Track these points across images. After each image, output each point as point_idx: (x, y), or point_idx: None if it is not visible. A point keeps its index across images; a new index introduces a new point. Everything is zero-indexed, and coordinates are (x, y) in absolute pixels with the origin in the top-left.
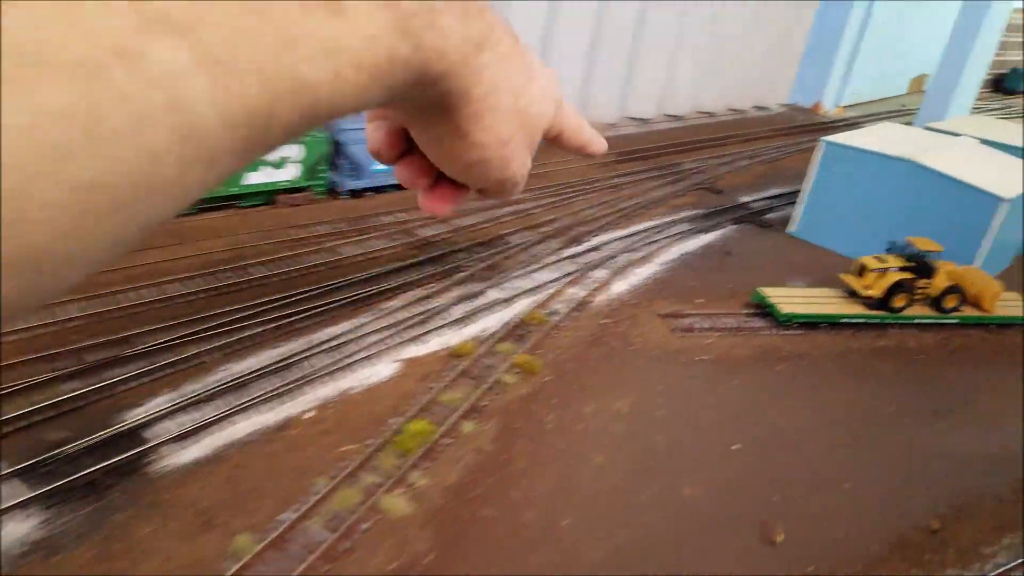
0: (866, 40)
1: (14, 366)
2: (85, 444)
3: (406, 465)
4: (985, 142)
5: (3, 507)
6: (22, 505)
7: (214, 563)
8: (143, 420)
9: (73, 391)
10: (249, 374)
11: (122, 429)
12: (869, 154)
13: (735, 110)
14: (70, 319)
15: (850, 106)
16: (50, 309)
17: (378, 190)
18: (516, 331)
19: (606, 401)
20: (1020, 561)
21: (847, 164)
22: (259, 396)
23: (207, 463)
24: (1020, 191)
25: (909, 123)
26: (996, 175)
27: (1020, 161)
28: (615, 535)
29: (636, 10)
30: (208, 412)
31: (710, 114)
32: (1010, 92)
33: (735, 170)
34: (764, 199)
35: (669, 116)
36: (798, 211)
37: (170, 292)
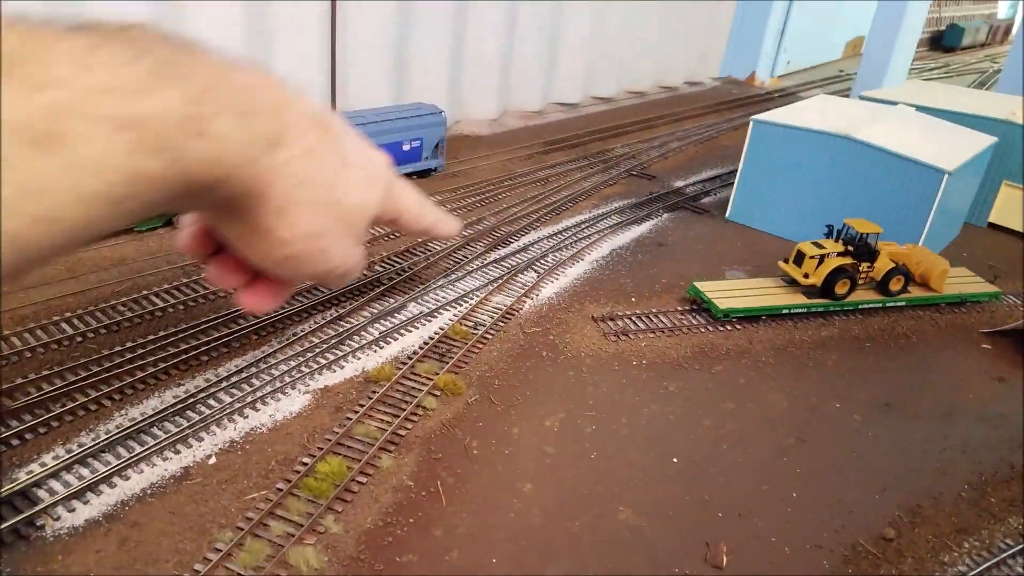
0: (796, 5)
1: None
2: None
3: (317, 512)
4: (922, 109)
5: None
6: None
7: None
8: (29, 481)
9: None
10: (146, 419)
11: (5, 493)
12: (802, 131)
13: (666, 87)
14: None
15: (786, 75)
16: None
17: None
18: (438, 348)
19: (535, 420)
20: (979, 570)
21: (780, 143)
22: (157, 444)
23: (101, 524)
24: (962, 161)
25: (848, 89)
26: (937, 146)
27: (961, 129)
28: (547, 570)
29: None
30: (100, 467)
31: (640, 94)
32: (949, 49)
33: (668, 152)
34: (699, 182)
35: (597, 99)
36: (733, 195)
37: (62, 332)
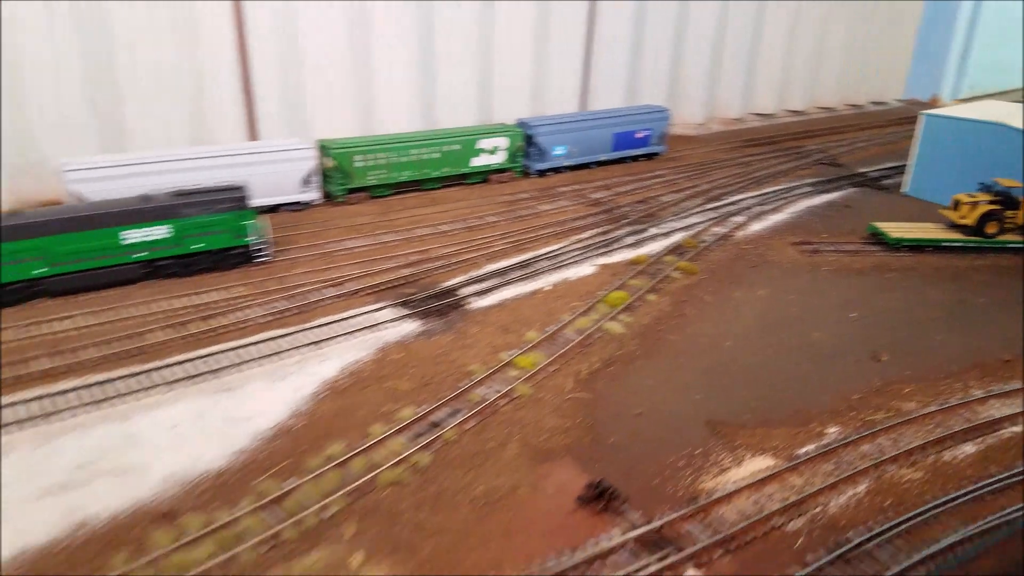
0: (978, 32)
1: None
2: (428, 295)
3: (613, 313)
4: None
5: (397, 318)
6: (407, 319)
7: (514, 345)
8: (466, 281)
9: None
10: (510, 267)
11: (445, 290)
12: (964, 121)
13: (853, 105)
14: None
15: (968, 99)
16: None
17: (557, 170)
18: (676, 250)
19: (750, 290)
20: None
21: (946, 131)
22: (515, 279)
23: (496, 307)
24: None
25: None
26: None
27: None
28: (762, 352)
29: (756, 10)
30: (490, 279)
31: (828, 109)
32: None
33: (853, 150)
34: (880, 170)
35: (789, 111)
36: (908, 174)
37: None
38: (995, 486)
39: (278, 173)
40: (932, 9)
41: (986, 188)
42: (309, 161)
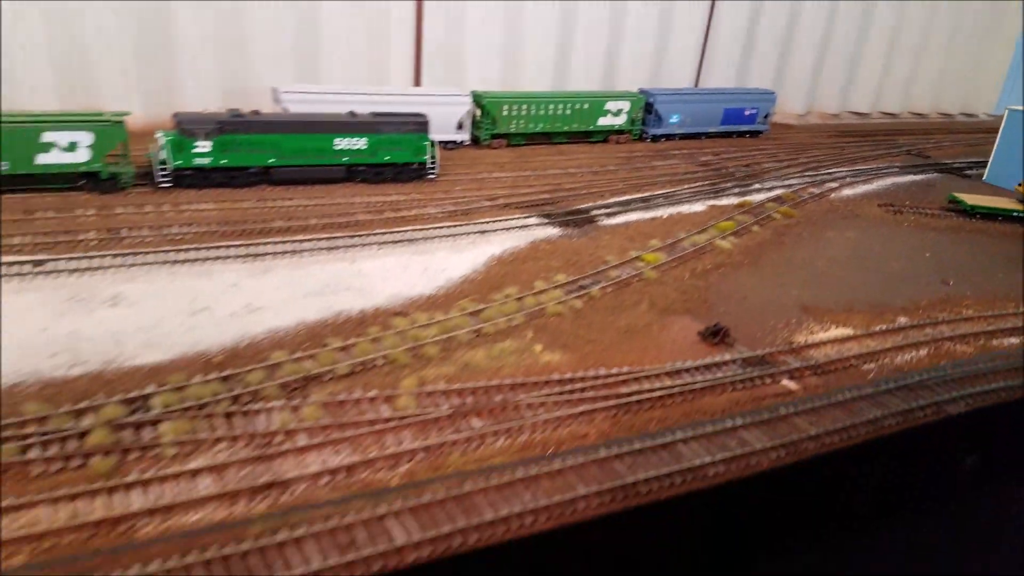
0: None
1: None
2: (565, 212)
3: (723, 235)
4: None
5: (542, 223)
6: (550, 226)
7: (640, 247)
8: (596, 206)
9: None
10: (631, 200)
11: (579, 210)
12: None
13: (944, 114)
14: None
15: None
16: None
17: (669, 136)
18: (777, 200)
19: (840, 232)
20: None
21: None
22: (637, 208)
23: (621, 225)
24: None
25: None
26: None
27: None
28: (849, 272)
29: (862, 11)
30: (616, 207)
31: (920, 115)
32: None
33: (941, 147)
34: (965, 162)
35: (884, 112)
36: (989, 164)
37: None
38: None
39: (439, 115)
40: None
41: None
42: (465, 107)
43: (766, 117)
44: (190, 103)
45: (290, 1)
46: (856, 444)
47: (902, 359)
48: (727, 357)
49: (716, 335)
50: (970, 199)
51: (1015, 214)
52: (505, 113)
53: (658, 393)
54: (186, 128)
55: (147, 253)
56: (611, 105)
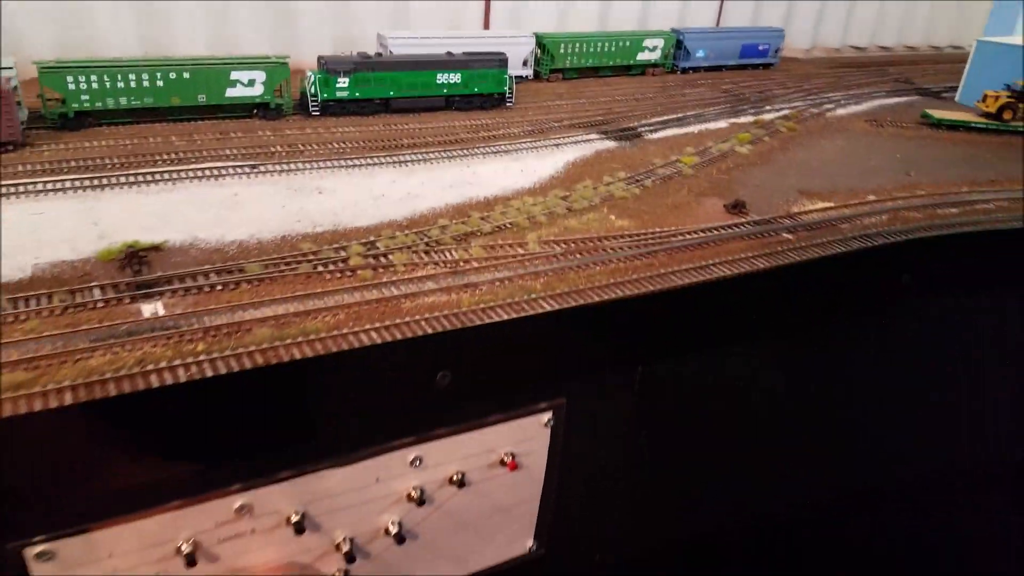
0: None
1: None
2: (617, 129)
3: (741, 144)
4: None
5: (600, 138)
6: (607, 140)
7: (678, 153)
8: (641, 124)
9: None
10: (668, 121)
11: (628, 128)
12: (1004, 45)
13: (935, 47)
14: None
15: None
16: None
17: (696, 69)
18: (783, 118)
19: (831, 140)
20: None
21: (991, 53)
22: (672, 124)
23: (660, 139)
24: None
25: None
26: None
27: None
28: (835, 169)
29: None
30: (656, 126)
31: (913, 48)
32: None
33: (925, 75)
34: (943, 87)
35: (880, 47)
36: (960, 87)
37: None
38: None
39: (509, 54)
40: None
41: (1007, 87)
42: (528, 47)
43: (776, 51)
44: (307, 49)
45: None
46: (821, 258)
47: (867, 221)
48: (743, 221)
49: (736, 207)
50: (938, 114)
51: (972, 125)
52: (562, 51)
53: (698, 240)
54: (331, 67)
55: (325, 160)
56: (648, 42)
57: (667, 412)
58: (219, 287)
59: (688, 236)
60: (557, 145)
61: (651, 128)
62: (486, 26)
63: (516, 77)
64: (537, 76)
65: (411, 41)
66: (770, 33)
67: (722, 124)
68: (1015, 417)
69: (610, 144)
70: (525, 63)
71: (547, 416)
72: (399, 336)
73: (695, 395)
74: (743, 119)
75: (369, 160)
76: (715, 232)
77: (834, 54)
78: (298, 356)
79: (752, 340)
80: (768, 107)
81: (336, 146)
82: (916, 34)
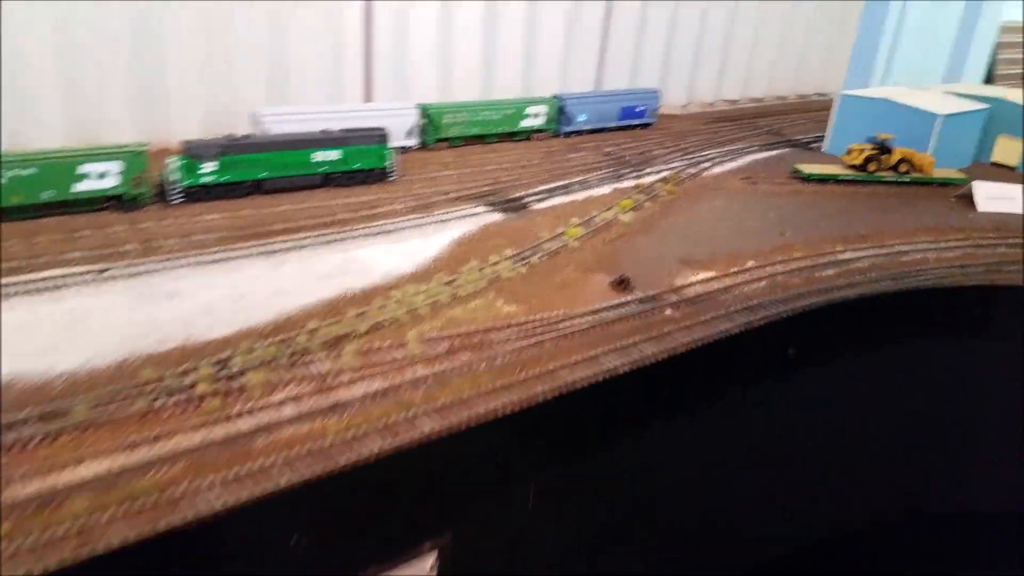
0: (903, 35)
1: None
2: (505, 200)
3: (623, 212)
4: (951, 94)
5: (488, 211)
6: (495, 213)
7: (562, 227)
8: (527, 194)
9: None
10: (554, 188)
11: (515, 198)
12: (865, 98)
13: (802, 96)
14: None
15: None
16: None
17: (579, 132)
18: (663, 181)
19: (709, 202)
20: None
21: (854, 105)
22: (559, 193)
23: (548, 208)
24: (952, 112)
25: None
26: (940, 105)
27: (963, 100)
28: (714, 230)
29: (728, 11)
30: (543, 194)
31: (782, 97)
32: None
33: (795, 125)
34: (812, 137)
35: (751, 99)
36: (826, 138)
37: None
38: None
39: (391, 125)
40: (867, 11)
41: (870, 140)
42: (412, 117)
43: (654, 112)
44: (176, 129)
45: (261, 34)
46: (711, 343)
47: (748, 290)
48: (629, 299)
49: (621, 284)
50: (808, 168)
51: (840, 177)
52: (446, 120)
53: (585, 324)
54: (195, 152)
55: (183, 256)
56: (531, 109)
57: (565, 523)
58: (36, 440)
59: (576, 320)
60: (443, 221)
61: (537, 197)
62: (369, 98)
63: (401, 147)
64: (423, 145)
65: (288, 117)
66: (647, 95)
67: (605, 190)
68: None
69: (497, 217)
70: (410, 133)
71: (431, 559)
72: (245, 496)
73: (594, 498)
74: (625, 183)
75: (234, 251)
76: (602, 314)
77: (708, 109)
78: (115, 544)
79: (644, 427)
80: (648, 169)
81: (198, 238)
82: (784, 84)
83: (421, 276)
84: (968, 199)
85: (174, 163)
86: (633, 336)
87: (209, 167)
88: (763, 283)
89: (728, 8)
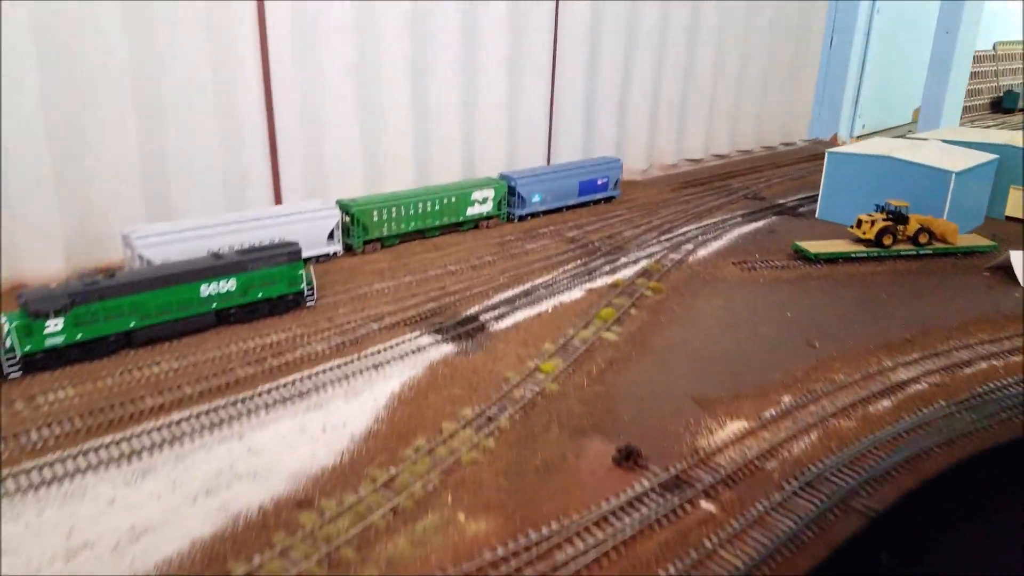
0: (867, 76)
1: None
2: (455, 322)
3: (606, 326)
4: (948, 142)
5: (435, 342)
6: (444, 343)
7: (535, 355)
8: (483, 308)
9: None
10: (515, 296)
11: (468, 317)
12: (859, 156)
13: (767, 147)
14: None
15: (863, 136)
16: None
17: (534, 215)
18: (644, 274)
19: (707, 300)
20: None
21: (846, 165)
22: (522, 305)
23: (512, 328)
24: (968, 166)
25: None
26: (950, 160)
27: (971, 151)
28: (724, 346)
29: (684, 70)
30: (502, 307)
31: (747, 152)
32: (1008, 111)
33: (771, 185)
34: (796, 200)
35: (715, 155)
36: (819, 202)
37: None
38: (906, 426)
39: (307, 231)
40: (827, 57)
41: (881, 208)
42: (333, 219)
43: (616, 182)
44: (33, 265)
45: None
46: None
47: (798, 449)
48: (645, 485)
49: (629, 458)
50: (812, 247)
51: (852, 255)
52: (376, 219)
53: (592, 555)
54: (34, 307)
55: (4, 479)
56: (477, 194)
57: None
58: None
59: (577, 545)
60: (377, 366)
61: (496, 312)
62: (277, 200)
63: (322, 255)
64: (349, 249)
65: (168, 237)
66: (608, 164)
67: (577, 293)
68: None
69: (447, 350)
70: (332, 237)
71: None
72: None
73: None
74: (599, 281)
75: (82, 460)
76: (614, 525)
77: (672, 171)
78: None
79: None
80: (623, 258)
81: (35, 438)
82: (747, 138)
83: (347, 473)
84: (1005, 270)
85: (6, 325)
86: (666, 564)
87: (55, 325)
88: (813, 434)
89: (683, 66)
